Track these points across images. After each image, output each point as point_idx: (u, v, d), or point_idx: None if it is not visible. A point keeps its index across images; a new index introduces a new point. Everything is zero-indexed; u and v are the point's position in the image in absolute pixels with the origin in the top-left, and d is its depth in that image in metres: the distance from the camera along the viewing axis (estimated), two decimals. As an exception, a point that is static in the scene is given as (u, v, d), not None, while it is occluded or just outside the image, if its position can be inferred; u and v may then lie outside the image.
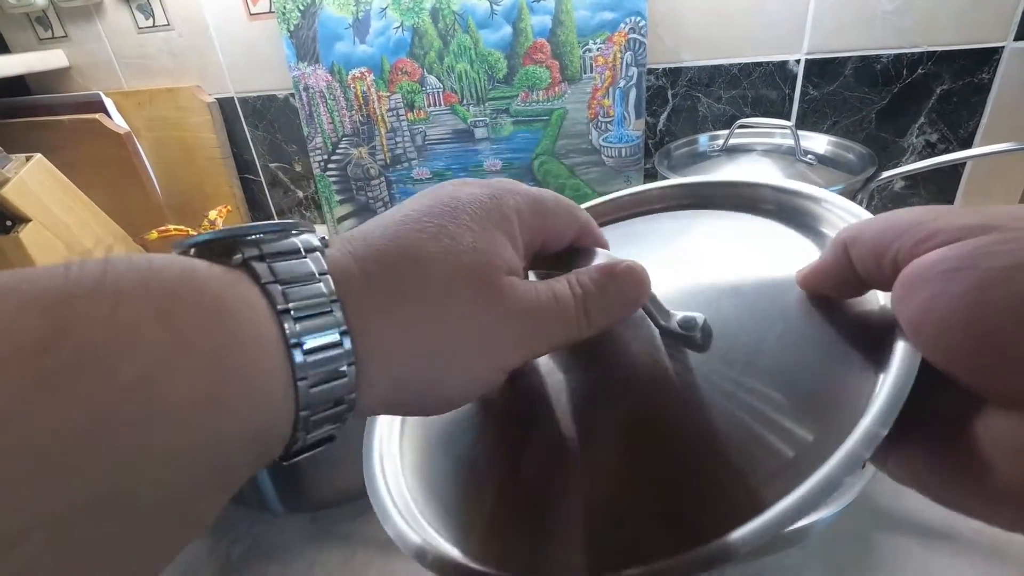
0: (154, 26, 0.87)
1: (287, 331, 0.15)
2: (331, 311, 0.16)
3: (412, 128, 0.81)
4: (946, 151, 0.68)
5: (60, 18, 0.90)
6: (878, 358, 0.18)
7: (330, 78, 0.80)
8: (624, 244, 0.26)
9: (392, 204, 0.87)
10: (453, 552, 0.19)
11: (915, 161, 0.57)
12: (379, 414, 0.23)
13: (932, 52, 0.64)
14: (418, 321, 0.18)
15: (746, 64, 0.70)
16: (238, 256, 0.16)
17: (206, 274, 0.15)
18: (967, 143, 0.67)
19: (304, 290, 0.16)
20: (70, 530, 0.11)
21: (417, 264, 0.18)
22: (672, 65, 0.73)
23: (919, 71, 0.66)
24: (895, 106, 0.68)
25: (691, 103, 0.74)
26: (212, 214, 0.85)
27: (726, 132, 0.64)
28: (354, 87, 0.80)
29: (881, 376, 0.17)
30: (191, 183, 0.95)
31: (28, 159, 0.79)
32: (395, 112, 0.80)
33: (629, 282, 0.20)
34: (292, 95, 0.87)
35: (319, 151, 0.86)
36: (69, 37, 0.92)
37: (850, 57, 0.67)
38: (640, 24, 0.68)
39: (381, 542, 0.42)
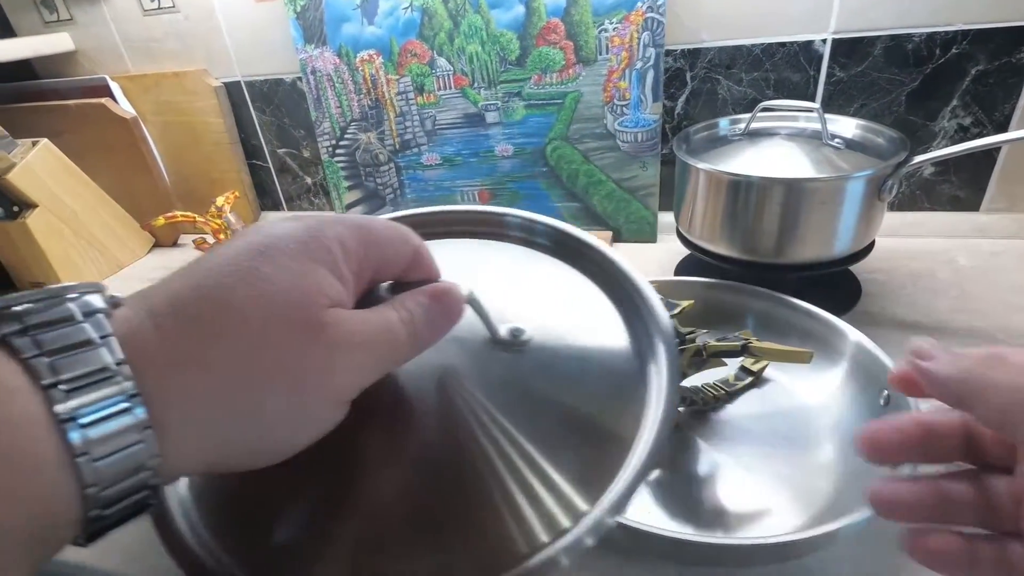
0: (160, 8, 0.86)
1: (56, 408, 0.15)
2: (115, 377, 0.15)
3: (422, 112, 0.79)
4: (980, 135, 0.65)
5: (65, 0, 0.89)
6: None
7: (338, 61, 0.79)
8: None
9: (401, 190, 0.85)
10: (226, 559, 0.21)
11: (947, 146, 0.54)
12: (199, 473, 0.22)
13: (967, 31, 0.61)
14: (231, 372, 0.17)
15: (769, 44, 0.67)
16: None
17: None
18: (1002, 127, 0.64)
19: (77, 359, 0.15)
20: None
21: (226, 311, 0.17)
22: (691, 46, 0.70)
23: (953, 51, 0.62)
24: (926, 88, 0.65)
25: (710, 86, 0.71)
26: (220, 200, 0.84)
27: (748, 116, 0.62)
28: (362, 70, 0.78)
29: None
30: (198, 168, 0.94)
31: (34, 144, 0.78)
32: (404, 96, 0.78)
33: (449, 302, 0.22)
34: (299, 79, 0.85)
35: (327, 136, 0.84)
36: (75, 20, 0.90)
37: (880, 36, 0.64)
38: (658, 2, 0.65)
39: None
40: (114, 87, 0.88)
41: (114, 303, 0.17)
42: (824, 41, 0.66)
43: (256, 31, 0.84)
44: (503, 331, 0.25)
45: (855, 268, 0.62)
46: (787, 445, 0.44)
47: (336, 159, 0.86)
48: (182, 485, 0.24)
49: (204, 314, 0.17)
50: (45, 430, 0.14)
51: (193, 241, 0.89)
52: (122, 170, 0.90)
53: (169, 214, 0.83)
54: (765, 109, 0.59)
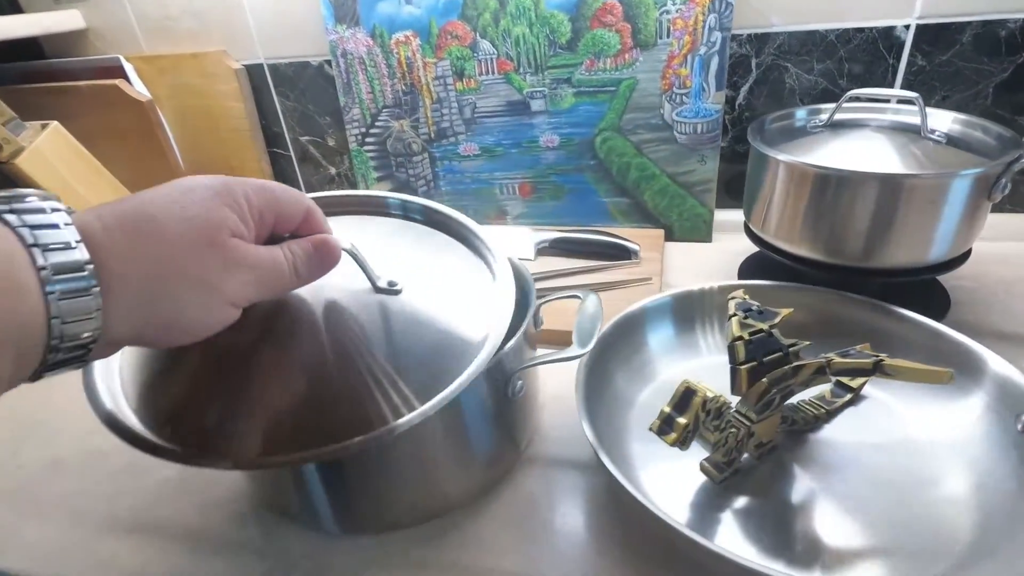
0: (178, -17, 0.80)
1: (34, 256, 0.21)
2: (76, 248, 0.22)
3: (461, 99, 0.74)
4: (1076, 131, 0.60)
5: (76, -26, 0.83)
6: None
7: (371, 43, 0.73)
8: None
9: (435, 182, 0.80)
10: (137, 425, 0.29)
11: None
12: (128, 344, 0.26)
13: (1069, 16, 0.56)
14: (154, 263, 0.24)
15: (846, 30, 0.62)
16: None
17: None
18: (1102, 123, 0.59)
19: (49, 233, 0.21)
20: None
21: (153, 221, 0.24)
22: (759, 30, 0.64)
23: (1051, 38, 0.57)
24: (1018, 79, 0.60)
25: (777, 74, 0.66)
26: (240, 191, 0.79)
27: (827, 106, 0.57)
28: (397, 53, 0.73)
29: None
30: (216, 156, 0.89)
31: (44, 127, 0.72)
32: (442, 81, 0.73)
33: (325, 250, 0.30)
34: (328, 62, 0.80)
35: (356, 123, 0.79)
36: (86, -5, 0.84)
37: (970, 23, 0.59)
38: (728, -18, 0.60)
39: (460, 568, 0.36)
40: (128, 68, 0.82)
41: (69, 211, 0.23)
42: (907, 27, 0.60)
43: (281, 10, 0.78)
44: (381, 281, 0.34)
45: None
46: (901, 474, 0.39)
47: (365, 148, 0.80)
48: (115, 371, 0.33)
49: (139, 224, 0.24)
50: (29, 272, 0.21)
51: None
52: (136, 156, 0.84)
53: (188, 204, 0.77)
54: (854, 98, 0.53)
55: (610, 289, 0.61)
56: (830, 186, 0.50)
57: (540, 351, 0.41)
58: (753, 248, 0.69)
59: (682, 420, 0.35)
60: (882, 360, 0.34)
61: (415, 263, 0.38)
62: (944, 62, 0.61)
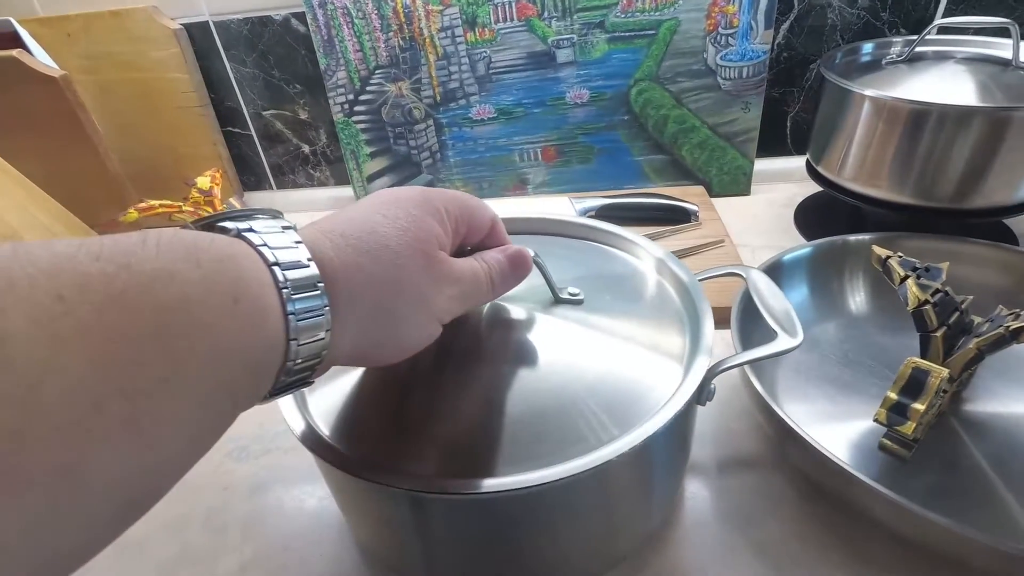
0: (79, -82, 0.62)
1: (277, 276, 0.20)
2: (308, 265, 0.21)
3: (472, 53, 0.63)
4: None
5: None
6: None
7: (357, -12, 0.61)
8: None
9: (442, 153, 0.70)
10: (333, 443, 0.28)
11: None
12: (341, 363, 0.25)
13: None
14: (378, 280, 0.23)
15: (892, -44, 0.59)
16: (233, 229, 0.21)
17: (213, 237, 0.19)
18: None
19: (286, 252, 0.21)
20: (137, 403, 0.15)
21: (374, 235, 0.24)
22: (804, -40, 0.60)
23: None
24: (1054, 4, 0.59)
25: (819, 10, 0.62)
26: (203, 181, 0.64)
27: (897, 39, 0.53)
28: (393, 1, 0.61)
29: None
30: (158, 142, 0.72)
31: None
32: (449, 33, 0.62)
33: (519, 261, 0.29)
34: (296, 15, 0.66)
35: (342, 90, 0.66)
36: (-59, -63, 0.64)
37: (1014, -56, 0.57)
38: (780, -97, 0.54)
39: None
40: (24, 35, 0.63)
41: (295, 227, 0.23)
42: (954, -49, 0.58)
43: (229, -49, 0.63)
44: (563, 292, 0.34)
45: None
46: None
47: (354, 119, 0.68)
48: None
49: (362, 238, 0.23)
50: (272, 291, 0.20)
51: (163, 237, 0.69)
52: (50, 147, 0.66)
53: (143, 204, 0.62)
54: (940, 30, 0.50)
55: (684, 257, 0.56)
56: (927, 122, 0.47)
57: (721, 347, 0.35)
58: (799, 196, 0.67)
59: (919, 406, 0.31)
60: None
61: (586, 273, 0.37)
62: (985, -12, 0.59)
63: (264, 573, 0.35)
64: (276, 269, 0.20)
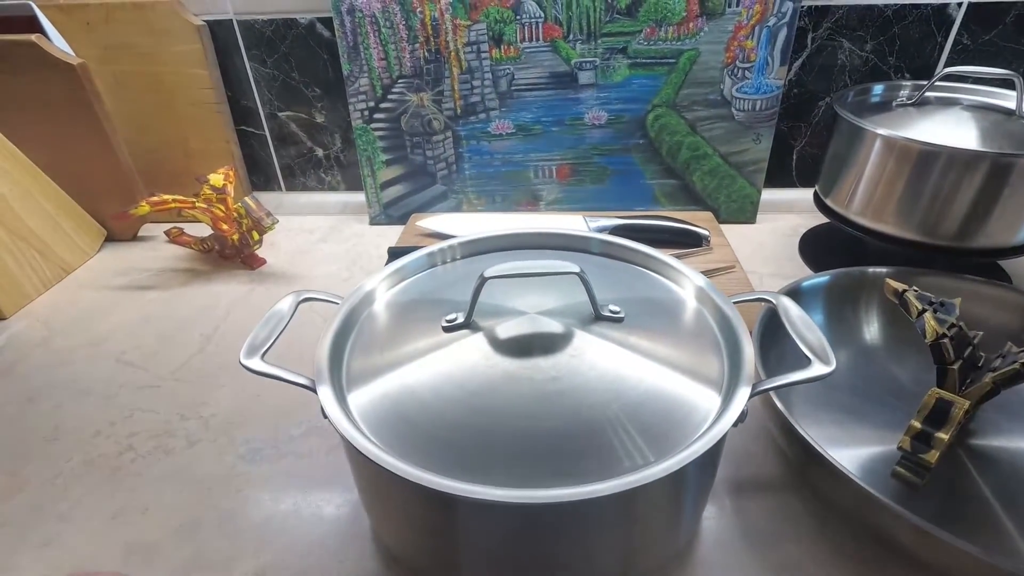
0: (110, -91, 0.62)
1: None
2: None
3: (496, 69, 0.64)
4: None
5: None
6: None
7: (386, -2, 0.61)
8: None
9: (458, 165, 0.70)
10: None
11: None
12: None
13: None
14: None
15: (902, 6, 0.62)
16: None
17: None
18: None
19: None
20: None
21: None
22: (820, 3, 0.62)
23: (1081, 21, 0.61)
24: (1049, 60, 0.63)
25: (831, 50, 0.65)
26: (216, 179, 0.64)
27: (906, 83, 0.56)
28: (422, 12, 0.62)
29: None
30: (170, 136, 0.72)
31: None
32: (475, 47, 0.63)
33: None
34: (321, 20, 0.66)
35: (363, 96, 0.67)
36: (-36, -82, 0.63)
37: (1015, 2, 0.61)
38: (801, -52, 0.57)
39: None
40: (43, 20, 0.62)
41: None
42: (959, 5, 0.61)
43: (259, -47, 0.63)
44: (605, 309, 0.34)
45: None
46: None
47: (373, 126, 0.68)
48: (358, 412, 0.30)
49: None
50: None
51: (167, 232, 0.68)
52: (64, 138, 0.65)
53: (156, 198, 0.61)
54: (949, 77, 0.53)
55: (695, 280, 0.57)
56: (938, 164, 0.49)
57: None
58: (802, 227, 0.69)
59: (943, 435, 0.32)
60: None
61: (626, 295, 0.37)
62: (986, 42, 0.63)
63: (283, 579, 0.34)
64: None
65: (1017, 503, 0.36)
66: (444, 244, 0.42)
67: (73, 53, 0.64)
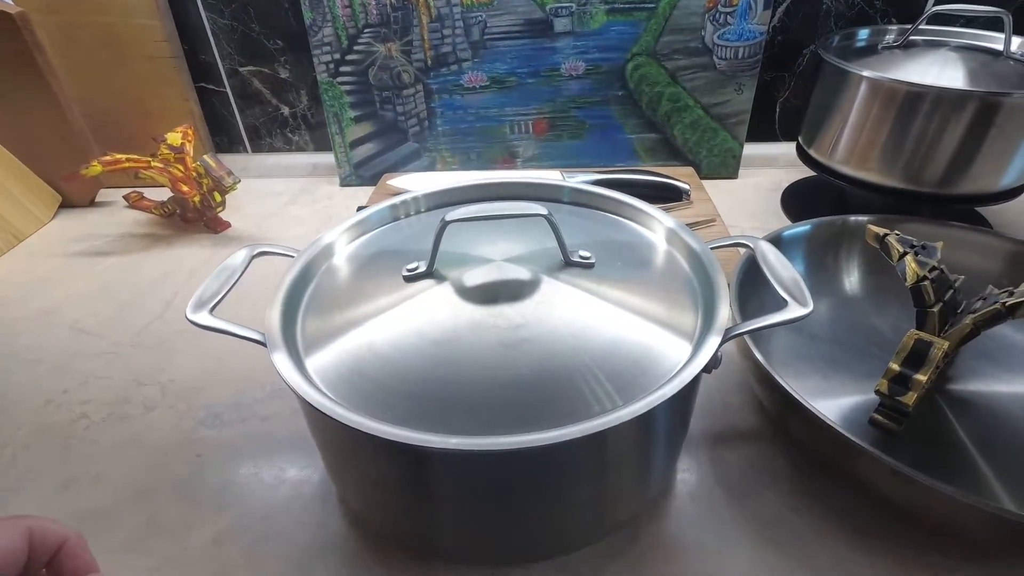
0: None
1: None
2: None
3: (468, 16, 0.61)
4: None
5: None
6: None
7: (347, -61, 0.57)
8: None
9: (430, 121, 0.67)
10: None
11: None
12: None
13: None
14: None
15: (890, -56, 0.59)
16: None
17: None
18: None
19: None
20: None
21: None
22: (805, -59, 0.59)
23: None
24: (1039, 2, 0.61)
25: (816, -7, 0.62)
26: (173, 137, 0.61)
27: (892, 27, 0.54)
28: (385, -46, 0.58)
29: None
30: (124, 94, 0.68)
31: None
32: (443, -7, 0.60)
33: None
34: (279, -35, 0.62)
35: (327, 48, 0.63)
36: None
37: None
38: None
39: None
40: (-26, -35, 0.58)
41: None
42: (949, -58, 0.58)
43: None
44: (575, 255, 0.33)
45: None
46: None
47: (339, 80, 0.65)
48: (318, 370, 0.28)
49: None
50: None
51: (126, 197, 0.64)
52: (5, 94, 0.61)
53: (108, 157, 0.58)
54: (936, 18, 0.51)
55: (675, 234, 0.55)
56: (922, 105, 0.48)
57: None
58: (785, 182, 0.67)
59: (921, 377, 0.31)
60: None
61: (596, 239, 0.36)
62: (975, -17, 0.60)
63: (241, 545, 0.33)
64: None
65: (993, 446, 0.35)
66: (408, 195, 0.39)
67: (11, 1, 0.59)
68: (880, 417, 0.37)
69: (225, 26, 0.67)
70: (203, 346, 0.47)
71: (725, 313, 0.29)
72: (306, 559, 0.32)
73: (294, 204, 0.69)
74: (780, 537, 0.32)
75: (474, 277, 0.32)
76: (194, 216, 0.64)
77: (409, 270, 0.32)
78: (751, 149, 0.70)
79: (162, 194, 0.65)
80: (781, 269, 0.33)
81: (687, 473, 0.36)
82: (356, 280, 0.34)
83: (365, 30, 0.62)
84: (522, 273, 0.32)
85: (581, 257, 0.33)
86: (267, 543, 0.33)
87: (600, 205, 0.39)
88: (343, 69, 0.64)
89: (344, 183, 0.72)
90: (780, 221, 0.61)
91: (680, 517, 0.33)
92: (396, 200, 0.39)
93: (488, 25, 0.61)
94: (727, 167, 0.69)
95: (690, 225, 0.55)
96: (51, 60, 0.61)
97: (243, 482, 0.37)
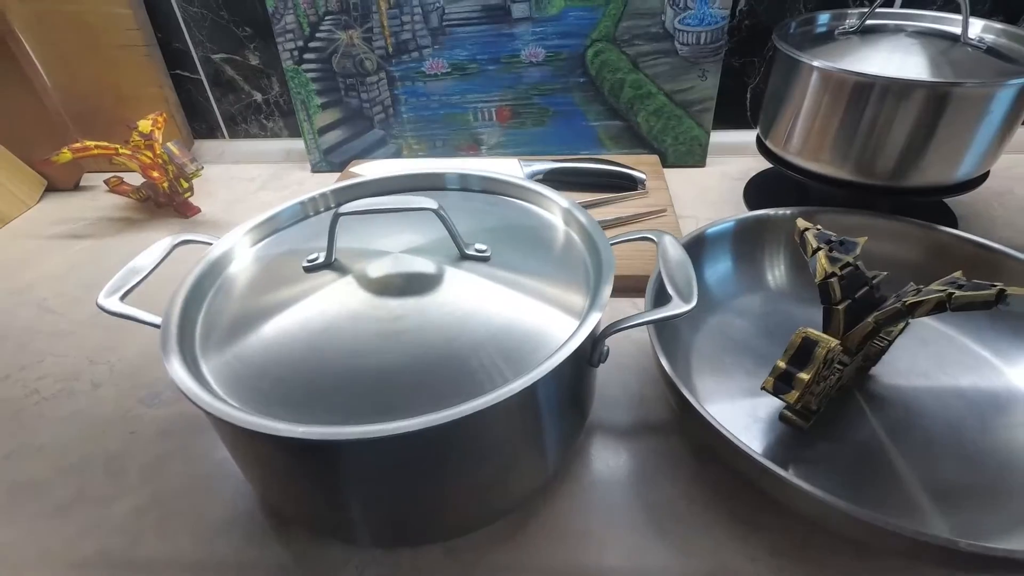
0: None
1: None
2: None
3: (425, 3, 0.61)
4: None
5: None
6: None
7: (304, -74, 0.58)
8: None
9: (395, 108, 0.68)
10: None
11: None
12: None
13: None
14: None
15: (860, -77, 0.57)
16: None
17: None
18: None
19: None
20: None
21: None
22: (770, -78, 0.57)
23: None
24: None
25: (783, -25, 0.60)
26: (144, 124, 0.62)
27: (856, 11, 0.52)
28: (342, -59, 0.58)
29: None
30: (100, 82, 0.70)
31: None
32: (401, -21, 0.60)
33: None
34: (243, -47, 0.63)
35: (291, 36, 0.64)
36: None
37: (984, -83, 0.55)
38: None
39: (548, 570, 0.31)
40: (-49, -43, 0.60)
41: None
42: (922, -79, 0.56)
43: None
44: (470, 248, 0.34)
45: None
46: (974, 405, 0.38)
47: (304, 67, 0.66)
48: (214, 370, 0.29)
49: None
50: None
51: (106, 182, 0.67)
52: (-15, 83, 0.64)
53: (78, 144, 0.60)
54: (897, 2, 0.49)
55: (622, 225, 0.55)
56: (873, 96, 0.46)
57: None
58: (753, 171, 0.66)
59: (804, 375, 0.31)
60: (1004, 290, 0.31)
61: (495, 226, 0.36)
62: (952, -37, 0.58)
63: (157, 516, 0.35)
64: None
65: (907, 441, 0.35)
66: (316, 193, 0.40)
67: (-13, -8, 0.61)
68: (790, 414, 0.37)
69: (195, 14, 0.68)
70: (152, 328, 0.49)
71: (606, 296, 0.30)
72: (210, 534, 0.34)
73: (264, 190, 0.70)
74: (665, 524, 0.33)
75: (370, 269, 0.33)
76: (165, 201, 0.66)
77: (309, 260, 0.34)
78: (722, 136, 0.69)
79: (141, 179, 0.67)
80: (675, 265, 0.33)
81: (593, 461, 0.37)
82: (260, 275, 0.35)
83: (326, 17, 0.63)
84: (418, 264, 0.33)
85: (477, 250, 0.33)
86: (180, 517, 0.35)
87: (503, 191, 0.40)
88: (307, 56, 0.65)
89: (315, 169, 0.73)
90: (740, 212, 0.60)
91: (573, 503, 0.34)
92: (304, 198, 0.40)
93: (446, 11, 0.61)
94: (694, 155, 0.68)
95: (640, 215, 0.56)
96: (24, 44, 0.63)
97: (169, 458, 0.39)
